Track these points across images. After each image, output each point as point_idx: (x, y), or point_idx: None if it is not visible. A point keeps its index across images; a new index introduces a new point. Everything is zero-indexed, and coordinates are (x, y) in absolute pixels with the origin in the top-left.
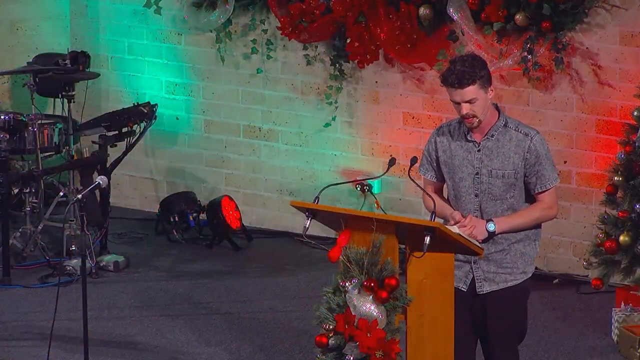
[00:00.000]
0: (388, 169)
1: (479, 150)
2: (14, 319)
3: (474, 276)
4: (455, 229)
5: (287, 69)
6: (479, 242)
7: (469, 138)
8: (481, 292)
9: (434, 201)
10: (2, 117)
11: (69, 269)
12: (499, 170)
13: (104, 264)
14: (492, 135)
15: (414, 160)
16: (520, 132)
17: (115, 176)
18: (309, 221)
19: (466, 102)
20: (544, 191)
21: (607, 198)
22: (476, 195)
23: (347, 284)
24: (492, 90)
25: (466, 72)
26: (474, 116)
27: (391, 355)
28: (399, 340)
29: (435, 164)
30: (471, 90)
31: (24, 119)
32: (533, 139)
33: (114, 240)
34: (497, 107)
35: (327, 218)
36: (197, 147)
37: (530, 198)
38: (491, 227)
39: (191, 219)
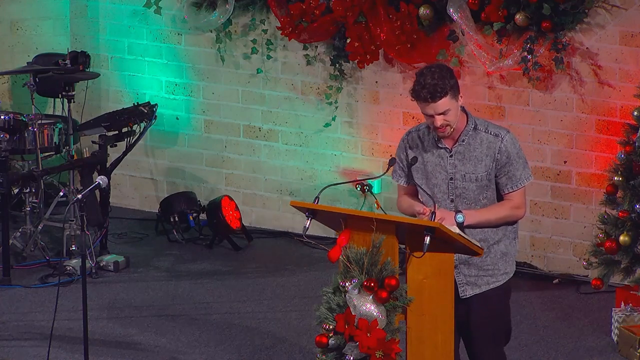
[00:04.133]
0: (388, 169)
1: (451, 156)
2: (14, 319)
3: (455, 281)
4: (455, 229)
5: (287, 69)
6: None
7: (439, 145)
8: (465, 297)
9: (434, 201)
10: (2, 117)
11: (69, 269)
12: (472, 174)
13: (104, 264)
14: (463, 140)
15: (414, 161)
16: (491, 133)
17: (115, 176)
18: (309, 221)
19: (439, 114)
20: (512, 191)
21: (607, 198)
22: (452, 201)
23: (347, 284)
24: (461, 97)
25: (437, 85)
26: (447, 125)
27: (391, 355)
28: (399, 340)
29: (407, 170)
30: (444, 103)
31: (24, 119)
32: (504, 140)
33: (114, 240)
34: (464, 111)
35: (327, 218)
36: (197, 147)
37: (501, 198)
38: (460, 218)
39: (191, 219)
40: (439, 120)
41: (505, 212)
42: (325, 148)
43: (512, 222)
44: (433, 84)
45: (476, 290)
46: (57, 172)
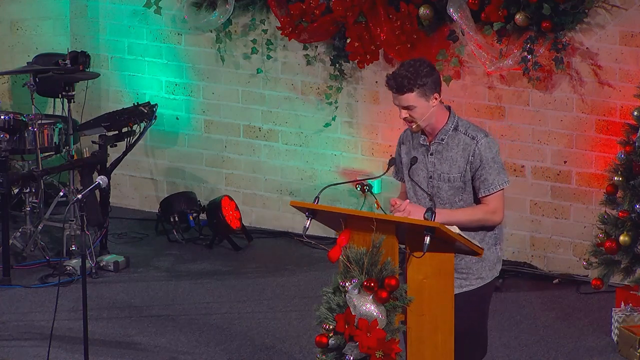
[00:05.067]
0: (388, 169)
1: (431, 154)
2: (14, 319)
3: None
4: (455, 229)
5: (287, 69)
6: None
7: (421, 142)
8: None
9: (432, 201)
10: (2, 117)
11: (69, 269)
12: (447, 174)
13: (104, 264)
14: (442, 139)
15: (414, 161)
16: (468, 135)
17: (115, 176)
18: (309, 221)
19: (404, 107)
20: (487, 195)
21: (607, 198)
22: (431, 199)
23: (347, 284)
24: (436, 98)
25: (406, 78)
26: (412, 121)
27: (391, 355)
28: (399, 340)
29: (400, 165)
30: (409, 98)
31: (24, 119)
32: (479, 143)
33: (114, 240)
34: (449, 109)
35: (327, 218)
36: (197, 147)
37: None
38: (428, 215)
39: (191, 219)
40: (403, 114)
41: (479, 215)
42: (325, 148)
43: (490, 228)
44: (402, 76)
45: None
46: (57, 172)
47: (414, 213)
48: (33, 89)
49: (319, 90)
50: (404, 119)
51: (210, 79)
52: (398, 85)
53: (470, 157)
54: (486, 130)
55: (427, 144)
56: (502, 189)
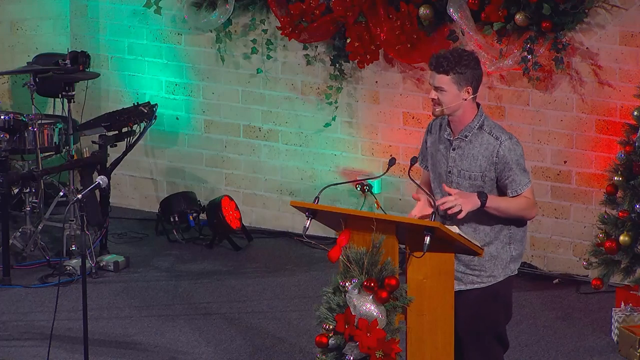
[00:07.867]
0: (388, 169)
1: (453, 149)
2: (14, 319)
3: None
4: (455, 229)
5: (287, 69)
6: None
7: (446, 136)
8: None
9: (433, 201)
10: (2, 117)
11: (69, 269)
12: (467, 171)
13: (104, 264)
14: (466, 136)
15: (413, 160)
16: (493, 135)
17: (115, 176)
18: (309, 221)
19: (436, 88)
20: (517, 195)
21: (607, 198)
22: (433, 203)
23: (347, 284)
24: (468, 92)
25: (447, 60)
26: (437, 104)
27: (391, 355)
28: (399, 340)
29: (427, 154)
30: (442, 79)
31: (24, 119)
32: (502, 145)
33: (114, 240)
34: (478, 107)
35: (327, 218)
36: (197, 147)
37: None
38: (482, 197)
39: (191, 219)
40: (432, 94)
41: (524, 204)
42: (325, 148)
43: (520, 223)
44: (444, 57)
45: (461, 286)
46: (57, 172)
47: (466, 204)
48: (33, 89)
49: (319, 90)
50: (432, 99)
51: (210, 79)
52: (437, 63)
53: (494, 158)
54: (511, 133)
55: (451, 138)
56: (530, 187)
